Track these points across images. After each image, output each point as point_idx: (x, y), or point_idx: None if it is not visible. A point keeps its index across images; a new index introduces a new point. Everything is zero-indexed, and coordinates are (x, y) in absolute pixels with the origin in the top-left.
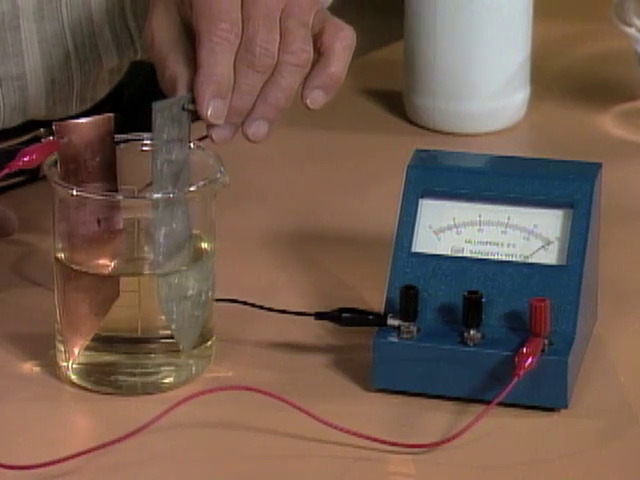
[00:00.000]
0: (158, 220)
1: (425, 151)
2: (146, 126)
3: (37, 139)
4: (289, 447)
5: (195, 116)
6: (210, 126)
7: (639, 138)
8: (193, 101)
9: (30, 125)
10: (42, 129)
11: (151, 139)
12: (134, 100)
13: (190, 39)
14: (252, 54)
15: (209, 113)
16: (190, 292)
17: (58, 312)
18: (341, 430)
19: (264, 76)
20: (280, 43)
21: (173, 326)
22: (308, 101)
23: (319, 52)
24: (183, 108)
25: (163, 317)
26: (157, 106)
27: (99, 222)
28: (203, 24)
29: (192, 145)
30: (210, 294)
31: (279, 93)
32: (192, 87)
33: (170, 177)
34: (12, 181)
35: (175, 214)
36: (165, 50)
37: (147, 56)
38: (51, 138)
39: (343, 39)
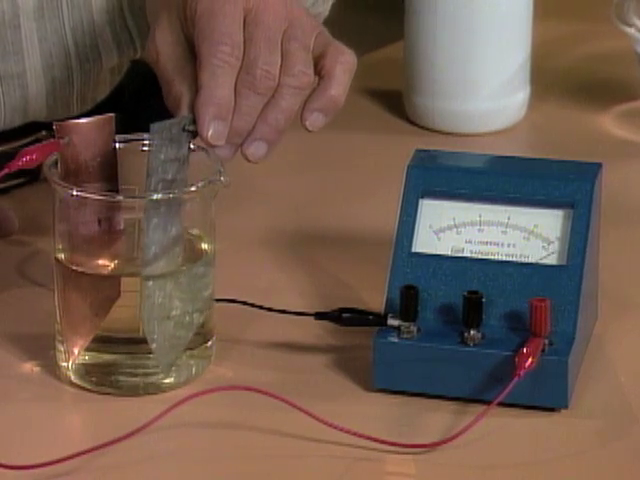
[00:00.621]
0: (150, 221)
1: (425, 151)
2: (147, 127)
3: (39, 141)
4: (289, 447)
5: (195, 136)
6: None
7: (639, 138)
8: (194, 122)
9: (32, 127)
10: (44, 131)
11: (147, 159)
12: (135, 100)
13: (193, 56)
14: (253, 76)
15: (210, 134)
16: (174, 312)
17: (58, 312)
18: (341, 430)
19: (265, 98)
20: (281, 65)
21: (153, 345)
22: (307, 123)
23: (320, 75)
24: (184, 129)
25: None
26: (155, 127)
27: (99, 222)
28: (204, 46)
29: (192, 146)
30: (195, 315)
31: (279, 115)
32: (193, 108)
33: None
34: (12, 182)
35: (169, 215)
36: (170, 68)
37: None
38: (52, 139)
39: (344, 63)
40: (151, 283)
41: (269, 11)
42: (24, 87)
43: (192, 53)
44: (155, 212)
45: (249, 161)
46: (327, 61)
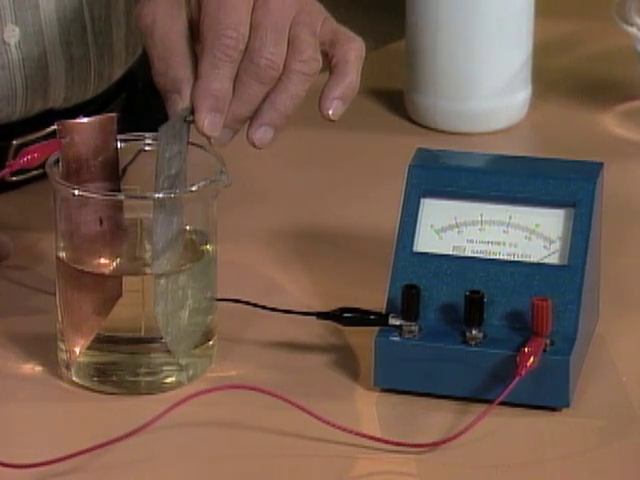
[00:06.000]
0: (157, 218)
1: (426, 150)
2: (158, 121)
3: (55, 133)
4: (290, 446)
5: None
6: None
7: None
8: (192, 112)
9: (49, 118)
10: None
11: (156, 159)
12: (147, 96)
13: (192, 35)
14: (257, 66)
15: (205, 125)
16: (189, 301)
17: (60, 311)
18: (343, 430)
19: (267, 87)
20: (289, 51)
21: (168, 338)
22: (330, 112)
23: (333, 62)
24: (185, 120)
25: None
26: (163, 128)
27: (101, 222)
28: (209, 35)
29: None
30: (210, 297)
31: (288, 100)
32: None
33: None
34: (21, 177)
35: (173, 212)
36: (168, 44)
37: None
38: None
39: (356, 49)
40: (162, 280)
41: None
42: (44, 68)
43: (191, 32)
44: (161, 210)
45: (255, 147)
46: (339, 48)
